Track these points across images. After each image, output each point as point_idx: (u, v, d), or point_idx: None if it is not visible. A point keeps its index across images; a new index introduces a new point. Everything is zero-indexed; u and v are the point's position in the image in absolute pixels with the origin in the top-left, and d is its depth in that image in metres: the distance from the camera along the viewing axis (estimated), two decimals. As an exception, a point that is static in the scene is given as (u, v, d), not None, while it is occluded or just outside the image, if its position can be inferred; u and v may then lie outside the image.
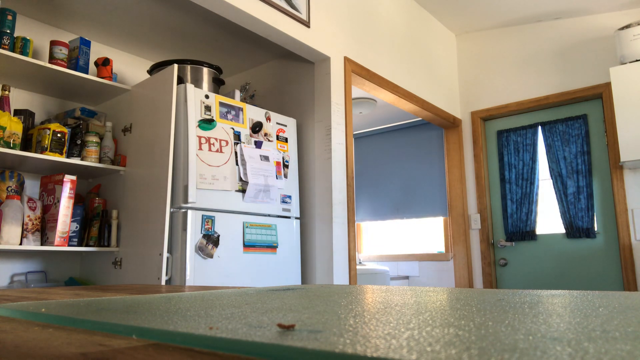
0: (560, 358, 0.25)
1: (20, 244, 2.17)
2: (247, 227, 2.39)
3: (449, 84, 4.02)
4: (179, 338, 0.35)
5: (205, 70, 2.64)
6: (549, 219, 3.64)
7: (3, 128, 2.11)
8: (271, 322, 0.40)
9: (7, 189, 2.29)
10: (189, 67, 2.59)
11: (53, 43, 2.37)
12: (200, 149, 2.26)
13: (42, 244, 2.27)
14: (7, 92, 2.27)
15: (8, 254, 2.47)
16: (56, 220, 2.25)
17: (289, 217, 2.64)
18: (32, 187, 2.54)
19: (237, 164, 2.40)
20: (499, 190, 3.85)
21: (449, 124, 3.99)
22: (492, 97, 3.93)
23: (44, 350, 0.32)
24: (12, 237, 2.12)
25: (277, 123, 2.68)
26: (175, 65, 2.31)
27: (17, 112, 2.38)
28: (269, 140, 2.60)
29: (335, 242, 2.65)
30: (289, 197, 2.65)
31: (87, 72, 2.44)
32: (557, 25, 3.69)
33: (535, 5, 3.52)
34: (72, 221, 2.35)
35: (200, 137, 2.27)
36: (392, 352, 0.27)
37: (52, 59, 2.34)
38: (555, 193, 3.57)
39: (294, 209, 2.67)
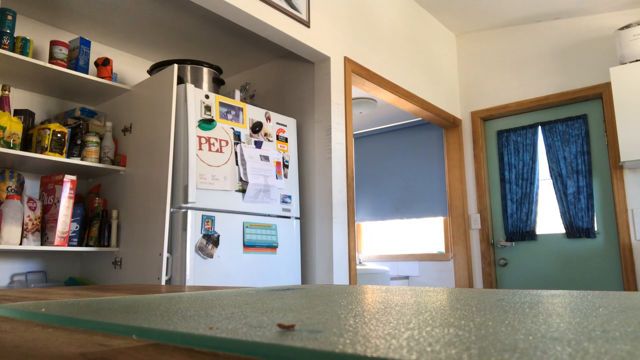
0: (560, 358, 0.25)
1: (20, 244, 2.17)
2: (247, 227, 2.39)
3: (449, 84, 4.02)
4: (179, 338, 0.35)
5: (205, 70, 2.64)
6: (549, 219, 3.64)
7: (3, 128, 2.11)
8: (271, 322, 0.40)
9: (7, 189, 2.29)
10: (189, 67, 2.59)
11: (53, 43, 2.37)
12: (200, 149, 2.26)
13: (42, 244, 2.27)
14: (7, 92, 2.27)
15: (8, 254, 2.47)
16: (56, 220, 2.25)
17: (289, 217, 2.64)
18: (32, 187, 2.54)
19: (237, 164, 2.40)
20: (499, 190, 3.85)
21: (449, 124, 3.99)
22: (492, 97, 3.93)
23: (44, 350, 0.32)
24: (12, 237, 2.12)
25: (277, 123, 2.68)
26: (175, 65, 2.31)
27: (17, 112, 2.38)
28: (269, 140, 2.60)
29: (335, 242, 2.65)
30: (289, 197, 2.65)
31: (87, 72, 2.44)
32: (556, 25, 3.69)
33: (535, 5, 3.52)
34: (72, 221, 2.35)
35: (200, 137, 2.27)
36: (392, 352, 0.27)
37: (52, 59, 2.34)
38: (555, 193, 3.57)
39: (294, 209, 2.67)
